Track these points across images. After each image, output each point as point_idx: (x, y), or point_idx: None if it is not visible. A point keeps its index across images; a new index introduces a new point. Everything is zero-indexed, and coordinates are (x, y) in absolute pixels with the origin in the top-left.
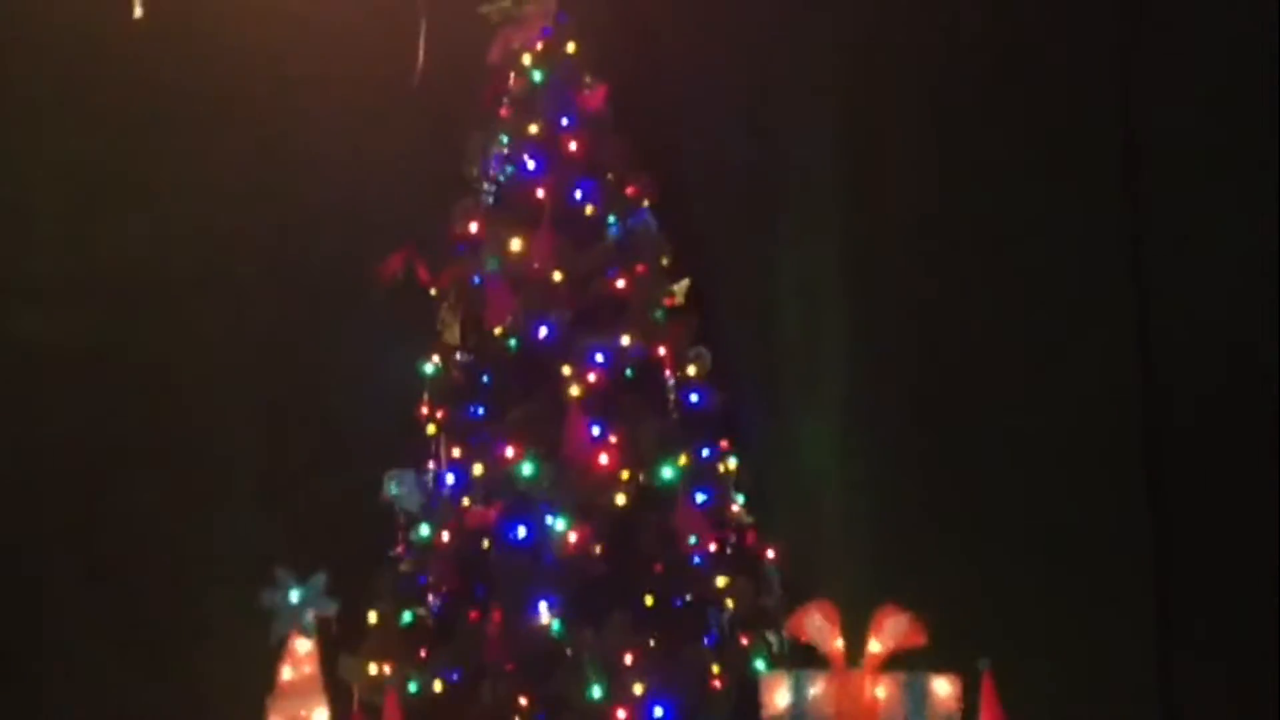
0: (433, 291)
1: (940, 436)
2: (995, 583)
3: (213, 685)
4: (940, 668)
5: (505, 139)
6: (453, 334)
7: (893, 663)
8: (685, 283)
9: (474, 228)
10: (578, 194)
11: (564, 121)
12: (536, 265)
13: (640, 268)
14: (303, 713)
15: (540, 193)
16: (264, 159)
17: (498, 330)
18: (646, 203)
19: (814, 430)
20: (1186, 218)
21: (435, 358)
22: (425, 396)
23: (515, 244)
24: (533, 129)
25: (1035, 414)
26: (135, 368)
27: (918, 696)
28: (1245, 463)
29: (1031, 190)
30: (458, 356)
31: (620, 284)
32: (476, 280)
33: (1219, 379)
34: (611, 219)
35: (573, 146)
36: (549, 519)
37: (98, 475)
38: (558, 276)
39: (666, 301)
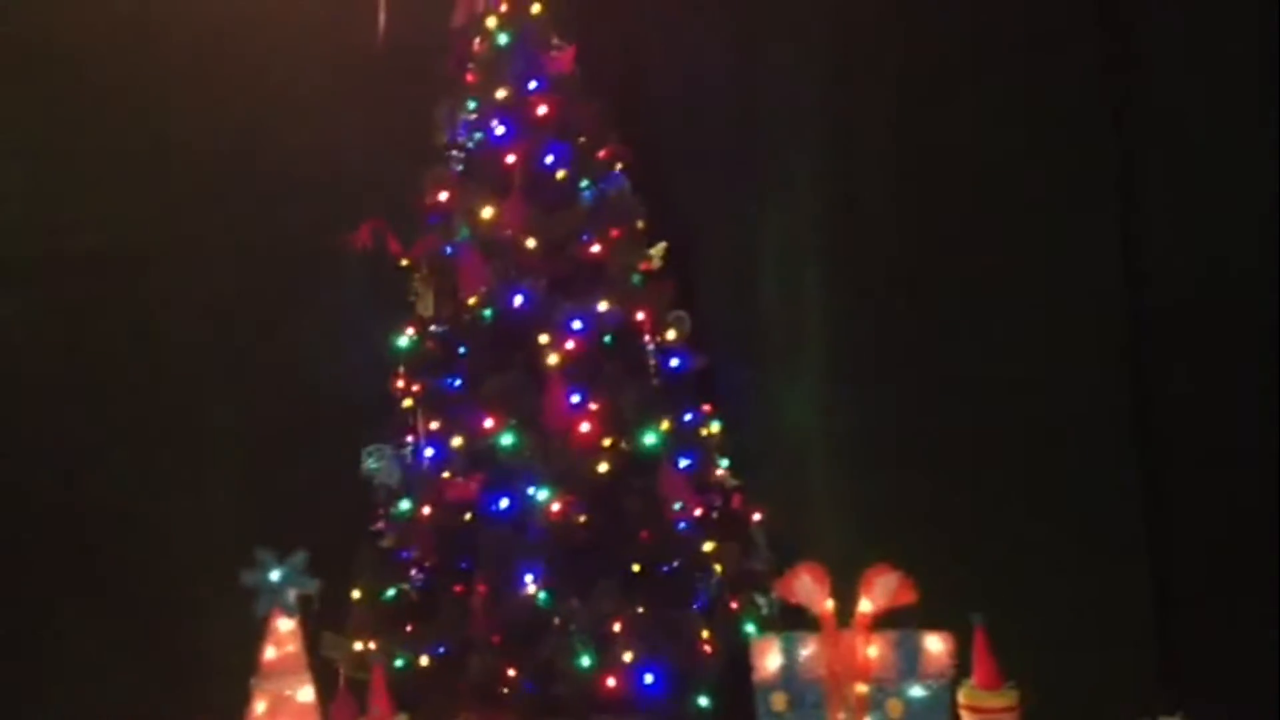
0: (404, 263)
1: (925, 395)
2: (986, 539)
3: (198, 666)
4: (932, 626)
5: (472, 105)
6: (426, 305)
7: (884, 622)
8: (662, 246)
9: (444, 197)
10: (549, 159)
11: (532, 85)
12: (509, 232)
13: (615, 232)
14: (288, 692)
15: (510, 158)
16: (229, 133)
17: (472, 300)
18: (620, 166)
19: (796, 390)
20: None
21: (409, 330)
22: (400, 370)
23: (486, 212)
24: (500, 93)
25: (1023, 370)
26: (106, 346)
27: (910, 654)
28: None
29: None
30: (432, 328)
31: (595, 249)
32: (448, 250)
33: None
34: (584, 183)
35: (542, 110)
36: (531, 489)
37: (74, 458)
38: (531, 243)
39: (643, 266)
